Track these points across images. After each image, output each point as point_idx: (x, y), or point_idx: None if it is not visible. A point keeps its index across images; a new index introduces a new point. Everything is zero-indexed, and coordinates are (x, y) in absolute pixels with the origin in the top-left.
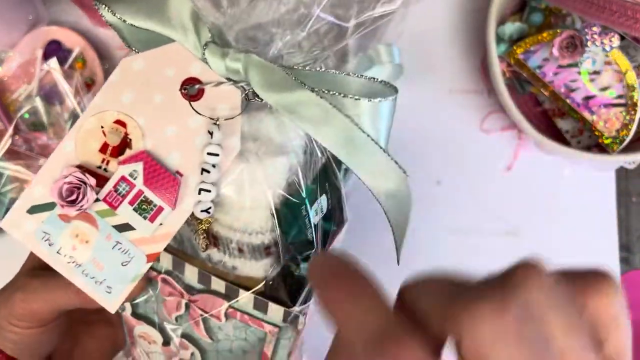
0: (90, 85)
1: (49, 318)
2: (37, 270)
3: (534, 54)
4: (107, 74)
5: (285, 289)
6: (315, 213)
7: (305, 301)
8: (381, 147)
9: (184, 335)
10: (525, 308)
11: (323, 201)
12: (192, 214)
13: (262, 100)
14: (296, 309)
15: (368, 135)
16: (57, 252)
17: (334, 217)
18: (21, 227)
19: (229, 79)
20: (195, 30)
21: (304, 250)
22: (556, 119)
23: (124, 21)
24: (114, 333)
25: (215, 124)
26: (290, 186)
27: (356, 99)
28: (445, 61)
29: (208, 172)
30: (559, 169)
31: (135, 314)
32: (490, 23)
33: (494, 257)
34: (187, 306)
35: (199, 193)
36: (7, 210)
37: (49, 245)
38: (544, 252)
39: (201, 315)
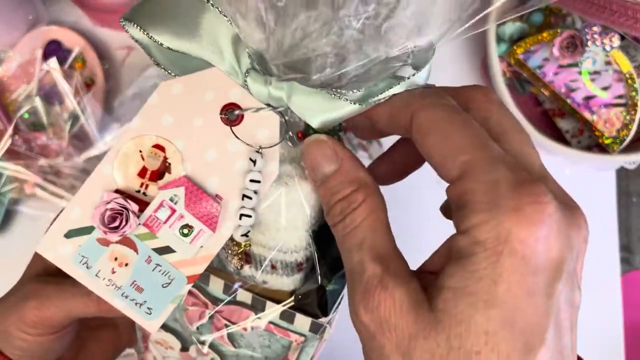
0: (90, 85)
1: (62, 325)
2: (46, 276)
3: (534, 54)
4: (106, 74)
5: (317, 302)
6: None
7: (333, 311)
8: None
9: (204, 342)
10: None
11: None
12: (230, 237)
13: (298, 122)
14: (324, 320)
15: None
16: (96, 275)
17: None
18: (57, 250)
19: (267, 104)
20: (234, 54)
21: (336, 266)
22: (556, 119)
23: (159, 43)
24: (118, 336)
25: (258, 151)
26: None
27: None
28: (445, 61)
29: (250, 198)
30: (560, 169)
31: None
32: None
33: None
34: (211, 316)
35: (240, 218)
36: (7, 210)
37: (87, 268)
38: None
39: (226, 325)
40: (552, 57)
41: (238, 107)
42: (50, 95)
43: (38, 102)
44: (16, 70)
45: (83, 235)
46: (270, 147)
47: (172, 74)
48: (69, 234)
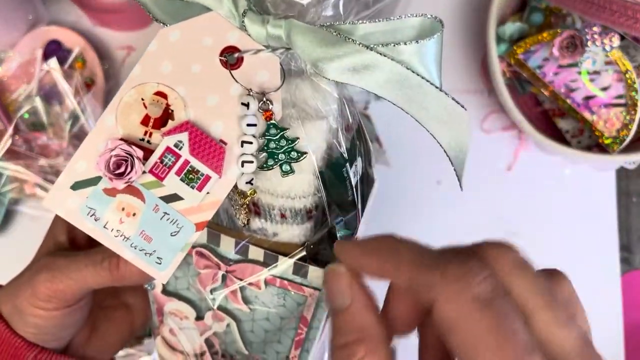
0: (90, 85)
1: (76, 298)
2: (59, 251)
3: (534, 54)
4: (107, 74)
5: (330, 249)
6: (353, 174)
7: None
8: (434, 85)
9: (219, 307)
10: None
11: (359, 162)
12: (234, 189)
13: (298, 66)
14: None
15: (421, 77)
16: (104, 227)
17: (366, 178)
18: (65, 204)
19: (266, 46)
20: None
21: (346, 211)
22: (556, 119)
23: None
24: (132, 316)
25: (249, 94)
26: (331, 148)
27: (404, 44)
28: (445, 61)
29: (250, 143)
30: (559, 169)
31: (165, 291)
32: (490, 23)
33: None
34: (224, 277)
35: (242, 165)
36: (7, 210)
37: (95, 220)
38: (544, 252)
39: (238, 283)
40: (552, 57)
41: (237, 50)
42: (50, 95)
43: (38, 102)
44: (16, 70)
45: (89, 186)
46: (274, 91)
47: None
48: (75, 186)
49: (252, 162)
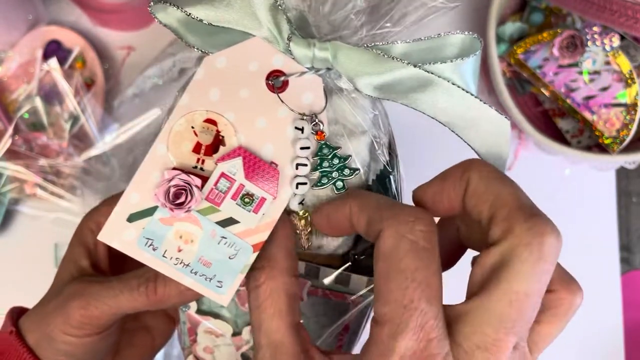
0: (90, 85)
1: (109, 324)
2: (86, 277)
3: (534, 54)
4: (107, 73)
5: (370, 258)
6: (394, 184)
7: None
8: (477, 97)
9: None
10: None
11: (396, 173)
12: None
13: (335, 83)
14: None
15: (466, 91)
16: (163, 256)
17: (400, 189)
18: (121, 237)
19: (309, 68)
20: (273, 21)
21: None
22: (556, 119)
23: (197, 19)
24: (152, 339)
25: (302, 119)
26: (374, 160)
27: (450, 62)
28: None
29: (305, 165)
30: (559, 169)
31: (200, 311)
32: (490, 23)
33: None
34: None
35: (296, 187)
36: (7, 210)
37: (153, 250)
38: None
39: None
40: (552, 57)
41: (282, 73)
42: (50, 95)
43: (38, 102)
44: (16, 70)
45: (145, 217)
46: (320, 112)
47: (208, 53)
48: (131, 218)
49: (305, 183)
